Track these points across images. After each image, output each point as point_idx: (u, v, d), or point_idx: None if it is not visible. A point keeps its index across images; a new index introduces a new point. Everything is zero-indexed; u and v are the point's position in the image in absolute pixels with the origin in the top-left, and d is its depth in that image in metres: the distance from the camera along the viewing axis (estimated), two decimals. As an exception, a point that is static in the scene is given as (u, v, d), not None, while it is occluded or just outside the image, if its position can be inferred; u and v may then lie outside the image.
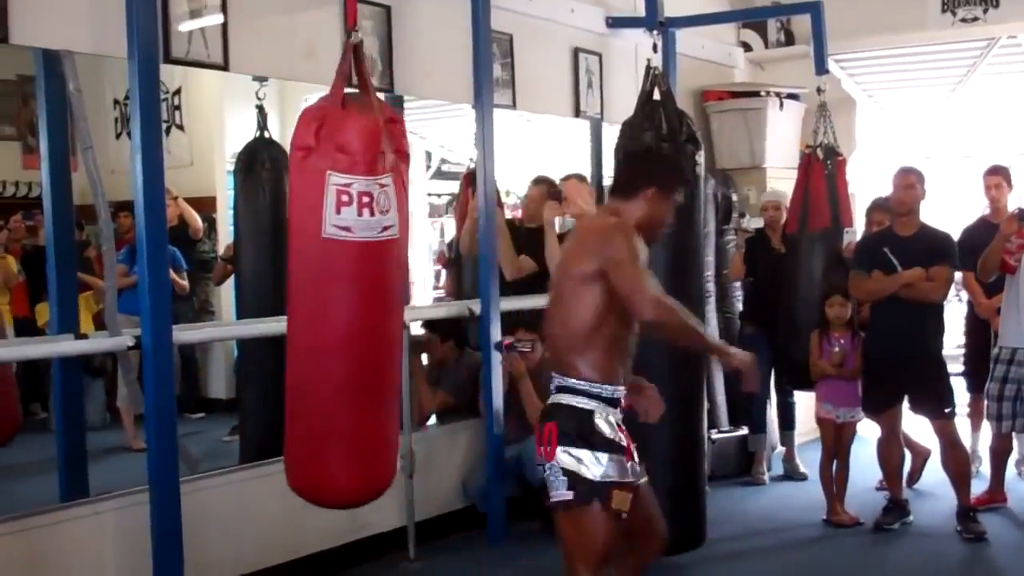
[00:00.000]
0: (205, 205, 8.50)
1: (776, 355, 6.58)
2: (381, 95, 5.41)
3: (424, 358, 6.33)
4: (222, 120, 8.70)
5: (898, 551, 5.49)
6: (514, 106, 6.20)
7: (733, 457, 6.95)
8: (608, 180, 6.14)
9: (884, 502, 5.86)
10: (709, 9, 7.58)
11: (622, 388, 3.47)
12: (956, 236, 5.98)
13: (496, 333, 5.67)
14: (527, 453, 5.67)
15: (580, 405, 3.41)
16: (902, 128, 8.57)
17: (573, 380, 3.43)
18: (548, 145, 8.24)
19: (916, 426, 6.21)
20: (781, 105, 7.78)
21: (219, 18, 4.65)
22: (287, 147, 6.02)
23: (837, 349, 5.87)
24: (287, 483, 3.82)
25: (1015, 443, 6.15)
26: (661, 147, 4.65)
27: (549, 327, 3.58)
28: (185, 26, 4.54)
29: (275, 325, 5.42)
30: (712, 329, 6.88)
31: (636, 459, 3.45)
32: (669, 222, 3.68)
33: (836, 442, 5.92)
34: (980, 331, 6.37)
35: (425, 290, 9.34)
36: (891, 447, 5.79)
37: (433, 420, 6.32)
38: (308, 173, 3.53)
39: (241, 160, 6.13)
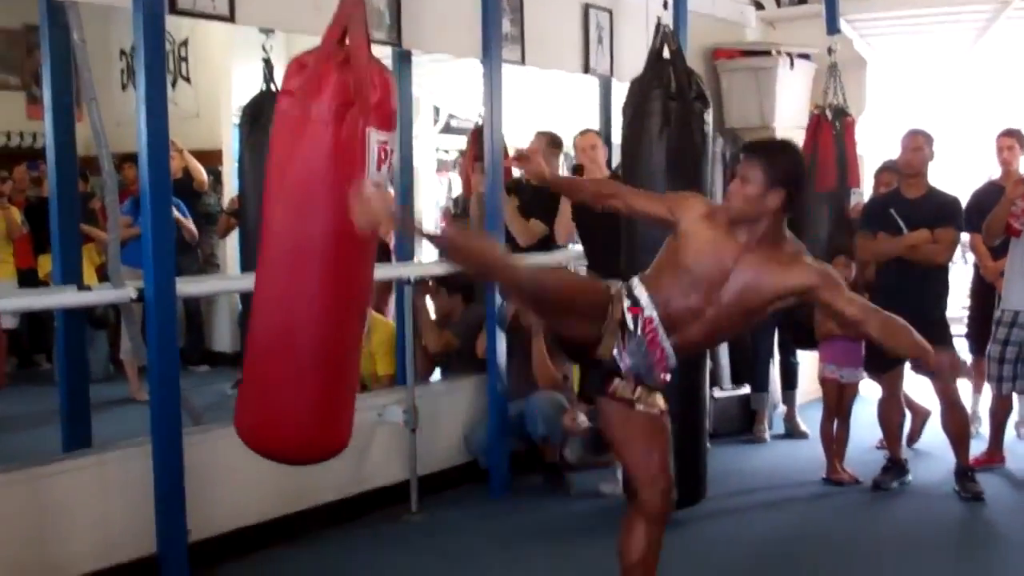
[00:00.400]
0: (211, 158, 8.50)
1: (780, 315, 6.56)
2: (388, 49, 5.42)
3: (429, 301, 6.34)
4: (229, 72, 8.68)
5: (896, 510, 5.52)
6: (523, 62, 6.15)
7: (735, 415, 6.97)
8: (617, 138, 6.11)
9: (883, 461, 5.88)
10: (721, -34, 7.53)
11: None
12: (965, 199, 5.97)
13: (499, 296, 5.67)
14: (530, 408, 5.70)
15: None
16: (913, 89, 8.51)
17: None
18: (557, 102, 8.23)
19: (916, 387, 6.22)
20: (792, 65, 7.73)
21: (225, -31, 4.62)
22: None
23: None
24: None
25: (1015, 405, 6.17)
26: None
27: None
28: (191, -24, 4.50)
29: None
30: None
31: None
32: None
33: (838, 402, 5.94)
34: (985, 294, 6.36)
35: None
36: (891, 407, 5.81)
37: (437, 375, 6.35)
38: (348, 128, 3.45)
39: (247, 113, 6.11)
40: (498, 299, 5.64)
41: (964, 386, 6.08)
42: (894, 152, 5.96)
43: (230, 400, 6.69)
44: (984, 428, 6.30)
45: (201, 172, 8.04)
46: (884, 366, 5.69)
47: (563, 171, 9.75)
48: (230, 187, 8.40)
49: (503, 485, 5.68)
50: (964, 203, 5.84)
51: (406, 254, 5.85)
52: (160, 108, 4.13)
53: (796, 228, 6.21)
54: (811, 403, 6.99)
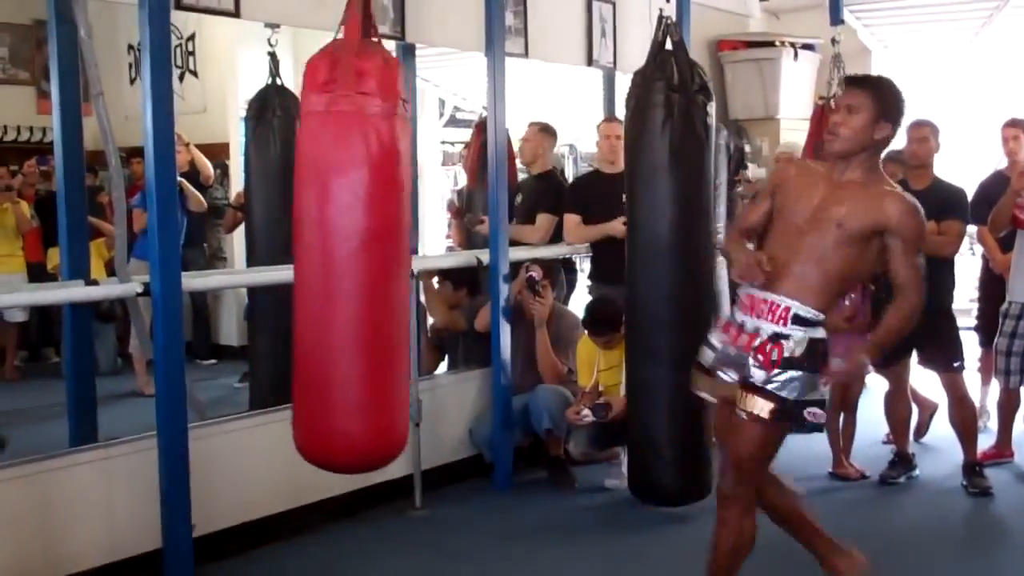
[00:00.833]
0: (218, 152, 8.52)
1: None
2: (392, 43, 5.42)
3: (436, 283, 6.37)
4: (235, 67, 8.69)
5: (903, 505, 5.51)
6: (526, 54, 6.15)
7: (742, 409, 6.94)
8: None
9: (890, 456, 5.87)
10: (725, -43, 7.52)
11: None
12: (971, 190, 5.95)
13: (504, 288, 5.68)
14: (534, 402, 5.71)
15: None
16: (918, 80, 8.48)
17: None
18: (561, 95, 8.23)
19: (923, 380, 6.21)
20: (796, 55, 7.72)
21: (230, -36, 4.62)
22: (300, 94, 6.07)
23: (848, 303, 5.84)
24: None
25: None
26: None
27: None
28: (196, -28, 4.51)
29: (284, 273, 5.45)
30: (723, 281, 6.86)
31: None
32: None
33: (844, 396, 5.92)
34: (994, 286, 6.33)
35: (437, 239, 9.34)
36: (898, 401, 5.80)
37: (443, 368, 6.36)
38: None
39: (252, 107, 6.12)
40: (503, 292, 5.65)
41: (972, 379, 6.06)
42: (899, 143, 5.94)
43: (237, 394, 6.76)
44: (992, 422, 6.28)
45: (207, 166, 8.06)
46: (890, 359, 5.68)
47: (568, 161, 9.86)
48: (237, 181, 8.42)
49: (507, 479, 5.69)
50: (970, 194, 5.83)
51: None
52: (166, 103, 4.14)
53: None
54: (817, 396, 6.97)
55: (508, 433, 5.71)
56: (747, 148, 7.49)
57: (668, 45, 5.12)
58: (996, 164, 6.49)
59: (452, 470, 5.73)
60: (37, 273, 7.65)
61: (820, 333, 3.57)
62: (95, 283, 4.49)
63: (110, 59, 8.13)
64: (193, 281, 5.04)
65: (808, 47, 7.83)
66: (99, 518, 4.23)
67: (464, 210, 7.32)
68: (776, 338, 3.53)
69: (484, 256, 5.71)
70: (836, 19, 6.35)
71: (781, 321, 3.53)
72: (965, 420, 5.67)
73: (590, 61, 6.70)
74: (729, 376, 3.65)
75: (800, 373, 3.52)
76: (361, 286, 3.37)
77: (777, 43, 7.70)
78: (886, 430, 6.13)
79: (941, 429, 6.22)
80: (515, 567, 4.70)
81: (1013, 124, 6.34)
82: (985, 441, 5.97)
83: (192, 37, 8.79)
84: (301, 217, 3.43)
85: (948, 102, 8.46)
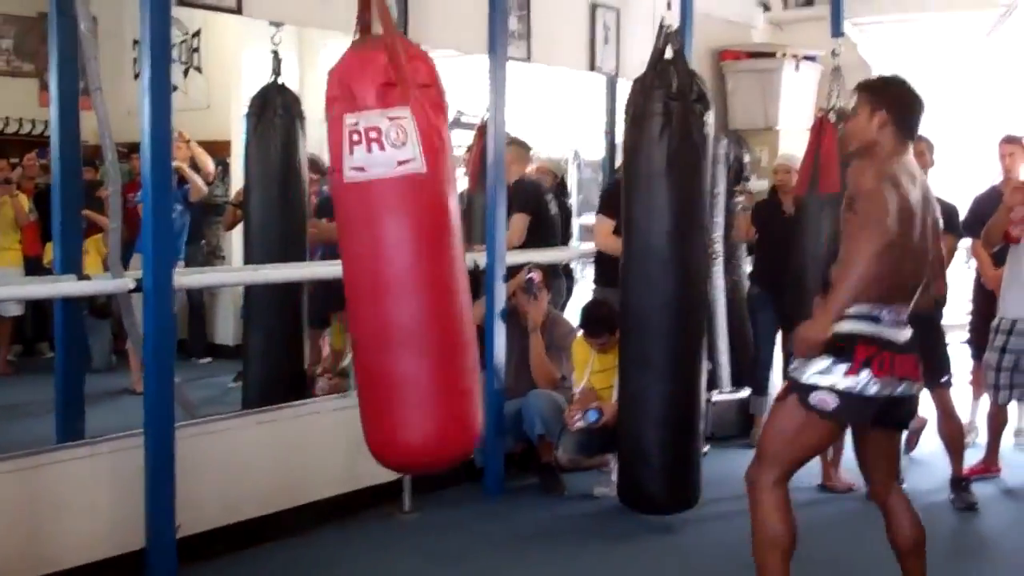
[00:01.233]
0: (220, 149, 8.51)
1: (782, 318, 6.57)
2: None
3: None
4: (240, 64, 8.69)
5: (890, 518, 5.50)
6: (529, 59, 6.16)
7: (733, 419, 6.95)
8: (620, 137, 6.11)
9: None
10: (729, -33, 7.52)
11: None
12: (966, 206, 5.95)
13: (501, 291, 5.68)
14: (527, 408, 5.70)
15: None
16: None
17: None
18: (565, 102, 8.23)
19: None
20: (797, 67, 7.71)
21: (234, -40, 4.62)
22: (302, 93, 6.07)
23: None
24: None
25: (1015, 412, 6.15)
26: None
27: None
28: (200, -33, 4.52)
29: (277, 271, 5.47)
30: (719, 291, 6.87)
31: None
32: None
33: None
34: (987, 300, 6.32)
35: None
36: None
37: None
38: (333, 123, 3.39)
39: (254, 105, 6.12)
40: (499, 295, 5.65)
41: (961, 395, 6.06)
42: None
43: (230, 394, 6.75)
44: (981, 438, 6.28)
45: (208, 163, 8.04)
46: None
47: (571, 168, 9.83)
48: (239, 178, 8.41)
49: (498, 484, 5.68)
50: (964, 210, 5.84)
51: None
52: (164, 98, 4.15)
53: (798, 231, 6.34)
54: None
55: (500, 438, 5.70)
56: (746, 159, 7.47)
57: (668, 54, 5.12)
58: (993, 179, 6.49)
59: (443, 475, 5.69)
60: (35, 267, 7.65)
61: (846, 327, 3.62)
62: (87, 278, 4.48)
63: (114, 53, 8.15)
64: (185, 278, 5.05)
65: (810, 58, 7.82)
66: (82, 516, 4.20)
67: (464, 213, 7.29)
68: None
69: (481, 259, 5.70)
70: (837, 31, 6.36)
71: None
72: (952, 435, 5.67)
73: (593, 67, 6.71)
74: None
75: (827, 360, 3.62)
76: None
77: (779, 54, 7.70)
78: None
79: (931, 444, 6.22)
80: (502, 572, 4.70)
81: (1010, 141, 6.34)
82: (973, 456, 5.96)
83: (198, 33, 8.80)
84: None
85: (946, 116, 8.44)
